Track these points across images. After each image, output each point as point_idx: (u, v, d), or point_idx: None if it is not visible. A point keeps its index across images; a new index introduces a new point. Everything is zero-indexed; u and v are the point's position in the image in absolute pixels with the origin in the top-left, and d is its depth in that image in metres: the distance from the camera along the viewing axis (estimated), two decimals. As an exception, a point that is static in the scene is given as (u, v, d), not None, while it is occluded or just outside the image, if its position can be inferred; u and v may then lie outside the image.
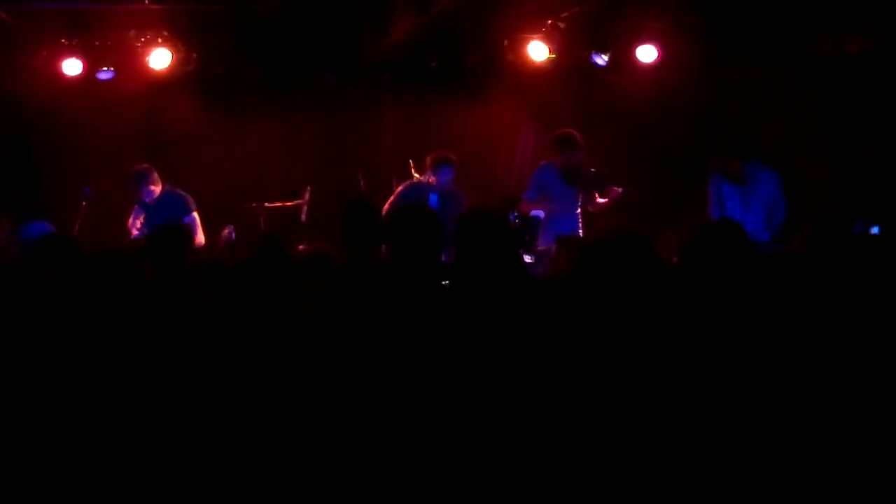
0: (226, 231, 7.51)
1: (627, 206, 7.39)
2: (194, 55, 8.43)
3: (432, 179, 7.30)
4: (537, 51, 8.56)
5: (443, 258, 4.13)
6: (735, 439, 2.53)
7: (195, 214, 7.61)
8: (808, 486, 2.59)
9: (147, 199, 7.53)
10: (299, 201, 8.09)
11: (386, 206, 6.94)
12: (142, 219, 7.56)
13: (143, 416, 2.60)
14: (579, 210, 7.58)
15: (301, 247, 5.63)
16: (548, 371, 2.51)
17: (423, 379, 2.73)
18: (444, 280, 3.50)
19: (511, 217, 6.73)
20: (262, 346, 2.82)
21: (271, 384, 2.73)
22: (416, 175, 7.54)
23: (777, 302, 2.97)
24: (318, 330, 3.03)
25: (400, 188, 7.46)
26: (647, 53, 8.49)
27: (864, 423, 2.63)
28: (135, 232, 7.50)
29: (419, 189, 7.34)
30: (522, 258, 5.83)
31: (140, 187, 7.52)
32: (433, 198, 7.15)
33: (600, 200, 7.45)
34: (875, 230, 6.23)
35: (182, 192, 7.69)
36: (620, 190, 7.34)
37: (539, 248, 6.81)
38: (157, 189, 7.57)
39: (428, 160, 7.38)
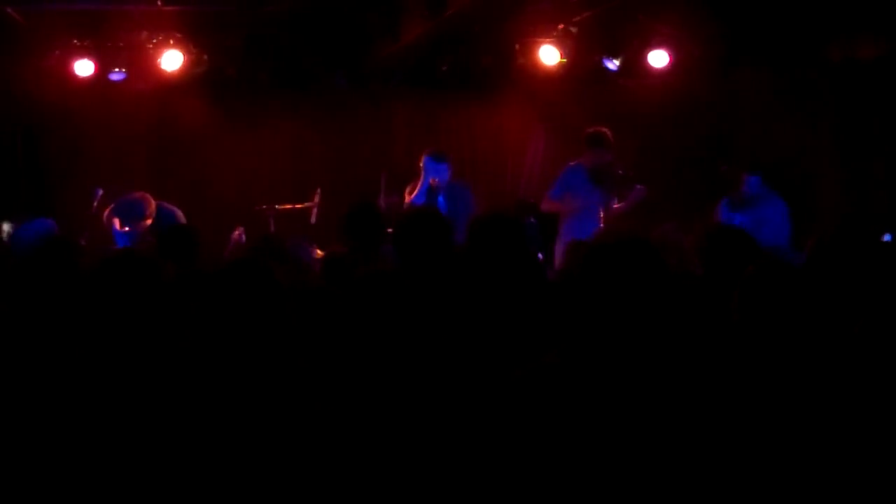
0: (236, 233, 7.50)
1: (643, 210, 7.30)
2: (205, 57, 8.45)
3: (433, 180, 7.17)
4: (549, 55, 8.54)
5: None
6: (739, 443, 2.52)
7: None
8: (814, 491, 2.57)
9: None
10: (309, 203, 8.09)
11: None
12: None
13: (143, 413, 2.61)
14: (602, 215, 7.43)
15: (319, 252, 5.64)
16: (564, 375, 2.49)
17: (430, 382, 2.71)
18: (451, 282, 3.47)
19: (528, 221, 6.67)
20: (264, 349, 2.81)
21: (273, 391, 2.72)
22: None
23: (798, 306, 2.94)
24: (322, 333, 3.02)
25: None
26: (658, 58, 8.46)
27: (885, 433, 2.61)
28: None
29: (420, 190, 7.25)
30: (540, 262, 5.76)
31: None
32: (440, 199, 7.09)
33: (617, 206, 7.31)
34: (888, 238, 6.21)
35: None
36: (644, 188, 7.21)
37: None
38: None
39: (420, 159, 7.23)
